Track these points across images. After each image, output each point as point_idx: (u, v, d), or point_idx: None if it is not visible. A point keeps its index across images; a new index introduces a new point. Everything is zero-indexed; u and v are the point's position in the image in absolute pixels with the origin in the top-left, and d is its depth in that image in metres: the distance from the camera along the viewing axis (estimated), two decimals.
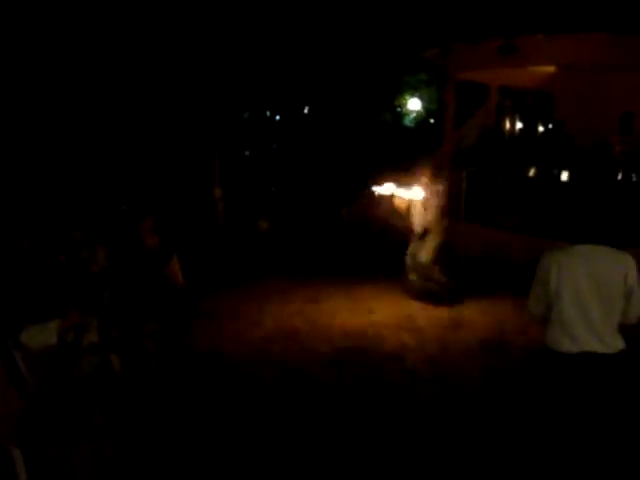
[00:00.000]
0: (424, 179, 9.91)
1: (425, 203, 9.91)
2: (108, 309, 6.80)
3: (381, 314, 9.21)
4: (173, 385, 6.73)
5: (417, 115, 21.66)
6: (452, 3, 14.73)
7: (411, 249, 10.12)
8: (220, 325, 8.72)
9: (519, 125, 15.80)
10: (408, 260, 10.12)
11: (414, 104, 21.25)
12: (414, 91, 20.61)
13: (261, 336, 8.29)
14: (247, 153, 24.54)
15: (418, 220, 10.06)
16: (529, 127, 15.00)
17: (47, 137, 14.69)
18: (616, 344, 4.31)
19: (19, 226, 9.42)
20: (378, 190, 9.47)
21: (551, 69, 12.18)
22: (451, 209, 11.90)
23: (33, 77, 14.10)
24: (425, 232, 9.97)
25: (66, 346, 5.56)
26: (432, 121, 20.84)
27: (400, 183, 10.41)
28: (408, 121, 21.94)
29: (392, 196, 10.55)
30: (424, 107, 21.12)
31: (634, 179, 10.81)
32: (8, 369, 4.86)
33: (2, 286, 6.84)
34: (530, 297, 4.58)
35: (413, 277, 10.09)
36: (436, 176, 9.52)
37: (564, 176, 11.52)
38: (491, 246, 11.17)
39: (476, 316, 9.12)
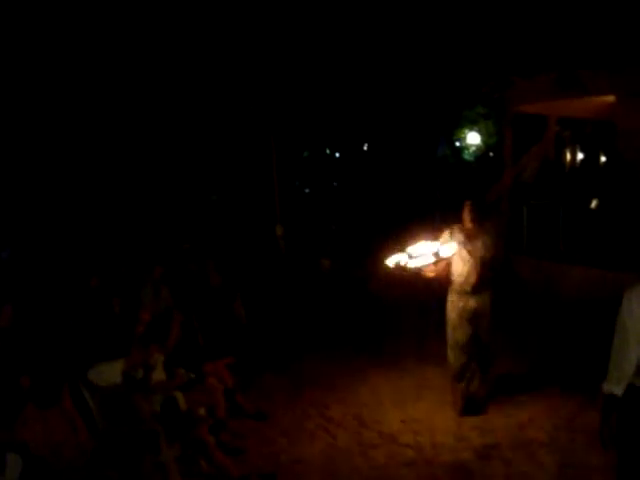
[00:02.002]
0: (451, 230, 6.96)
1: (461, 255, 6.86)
2: (175, 347, 6.97)
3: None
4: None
5: (476, 149, 21.60)
6: (509, 37, 14.75)
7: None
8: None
9: (580, 156, 15.65)
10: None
11: (473, 138, 21.20)
12: (472, 125, 20.58)
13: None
14: (307, 190, 24.77)
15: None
16: (590, 157, 14.85)
17: (114, 180, 15.08)
18: None
19: (86, 266, 9.67)
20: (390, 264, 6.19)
21: (611, 98, 12.06)
22: (512, 243, 11.84)
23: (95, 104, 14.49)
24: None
25: (133, 384, 5.72)
26: (491, 155, 20.76)
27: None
28: (467, 155, 21.90)
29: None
30: (483, 141, 21.06)
31: None
32: (79, 408, 5.03)
33: (71, 325, 7.06)
34: (612, 361, 3.50)
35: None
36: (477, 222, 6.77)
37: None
38: (553, 278, 11.06)
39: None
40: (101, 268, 9.29)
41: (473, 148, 21.38)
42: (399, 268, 6.14)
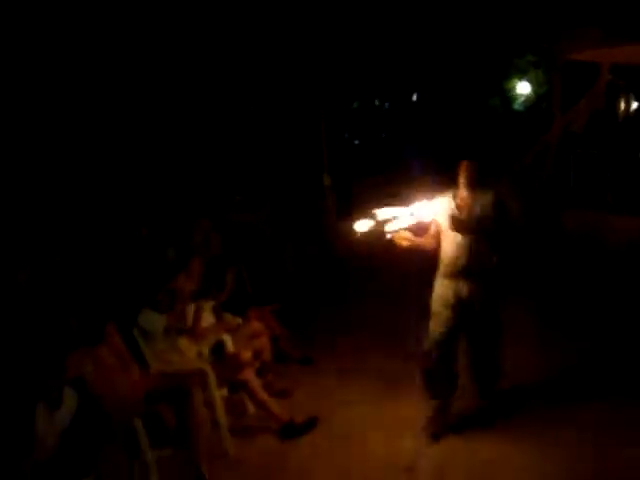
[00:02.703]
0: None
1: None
2: (224, 292, 7.22)
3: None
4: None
5: (526, 99, 21.30)
6: None
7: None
8: None
9: (635, 105, 15.32)
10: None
11: (523, 87, 20.90)
12: (522, 74, 20.28)
13: None
14: (356, 142, 24.73)
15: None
16: None
17: (166, 131, 15.25)
18: None
19: (137, 215, 9.93)
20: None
21: None
22: (559, 195, 11.76)
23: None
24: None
25: (181, 330, 5.99)
26: (544, 105, 20.41)
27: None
28: (517, 105, 21.62)
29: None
30: (533, 90, 20.75)
31: None
32: (130, 347, 5.31)
33: (124, 272, 7.36)
34: None
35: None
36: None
37: None
38: (601, 230, 10.98)
39: None
40: (152, 218, 9.58)
41: (523, 98, 21.10)
42: (366, 233, 4.99)
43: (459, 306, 5.36)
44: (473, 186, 5.37)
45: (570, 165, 12.32)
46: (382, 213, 5.07)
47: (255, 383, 5.96)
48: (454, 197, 5.45)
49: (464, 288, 5.32)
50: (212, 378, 5.53)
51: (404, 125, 22.64)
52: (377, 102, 24.62)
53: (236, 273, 7.79)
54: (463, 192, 5.41)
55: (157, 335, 5.86)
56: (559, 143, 13.03)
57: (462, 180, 5.38)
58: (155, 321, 5.91)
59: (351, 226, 5.02)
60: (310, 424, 5.77)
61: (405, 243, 5.30)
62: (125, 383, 4.91)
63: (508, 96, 21.77)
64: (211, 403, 5.39)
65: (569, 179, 12.35)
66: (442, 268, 5.45)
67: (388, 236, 5.15)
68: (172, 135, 14.59)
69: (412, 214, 5.17)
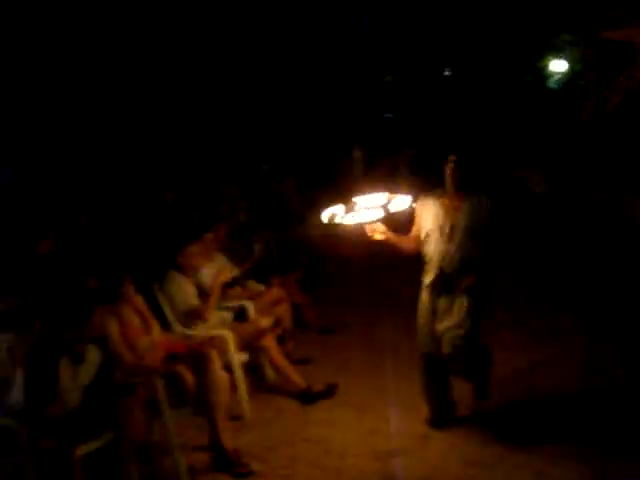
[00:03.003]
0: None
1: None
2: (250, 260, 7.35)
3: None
4: None
5: (562, 76, 21.04)
6: None
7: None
8: None
9: None
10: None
11: (558, 65, 20.62)
12: (558, 52, 20.02)
13: None
14: (388, 115, 24.58)
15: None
16: None
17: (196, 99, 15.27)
18: None
19: (164, 180, 10.04)
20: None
21: None
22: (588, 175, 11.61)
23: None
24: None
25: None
26: (582, 83, 20.12)
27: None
28: (552, 83, 21.36)
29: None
30: (570, 68, 20.48)
31: None
32: (153, 307, 5.44)
33: (148, 235, 7.50)
34: None
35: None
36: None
37: None
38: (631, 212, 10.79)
39: None
40: (180, 184, 9.70)
41: (558, 76, 20.85)
42: (334, 224, 4.53)
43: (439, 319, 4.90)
44: (460, 188, 4.76)
45: (601, 145, 12.16)
46: (361, 201, 4.61)
47: (275, 349, 6.05)
48: (439, 198, 4.86)
49: (445, 303, 4.85)
50: (232, 343, 5.63)
51: (435, 100, 22.46)
52: (409, 76, 24.44)
53: (263, 242, 7.90)
54: (449, 194, 4.81)
55: (180, 298, 5.98)
56: (591, 122, 12.86)
57: (449, 179, 4.78)
58: (180, 284, 6.03)
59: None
60: (328, 392, 5.85)
61: (378, 236, 4.80)
62: (147, 342, 5.03)
63: (542, 74, 21.50)
64: (230, 367, 5.49)
65: (599, 158, 12.19)
66: (425, 276, 4.93)
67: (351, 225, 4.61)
68: (203, 102, 14.61)
69: (385, 207, 4.60)
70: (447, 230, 4.76)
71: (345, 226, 4.59)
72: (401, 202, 4.65)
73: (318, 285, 8.48)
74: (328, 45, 16.96)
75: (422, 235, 4.92)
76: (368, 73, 19.16)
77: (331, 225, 4.62)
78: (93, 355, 4.40)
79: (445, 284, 4.83)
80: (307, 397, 5.80)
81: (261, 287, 6.98)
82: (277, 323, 6.37)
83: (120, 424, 4.29)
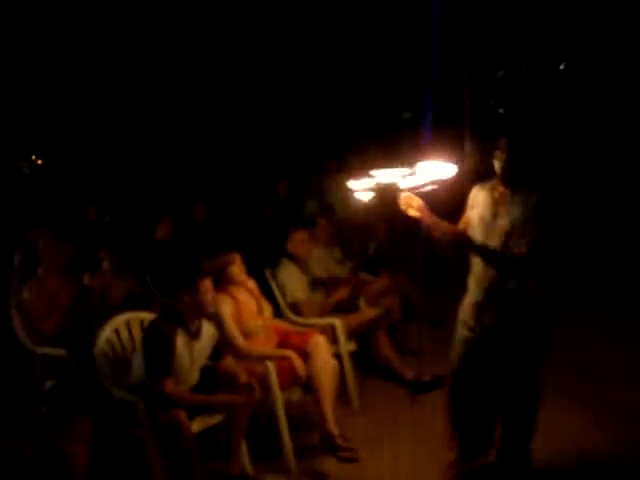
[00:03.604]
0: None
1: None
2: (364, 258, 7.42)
3: None
4: None
5: None
6: None
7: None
8: None
9: None
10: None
11: None
12: None
13: None
14: (501, 111, 24.20)
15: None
16: None
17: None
18: None
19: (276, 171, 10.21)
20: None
21: None
22: None
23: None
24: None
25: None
26: None
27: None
28: None
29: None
30: None
31: None
32: (265, 290, 5.59)
33: (262, 223, 7.69)
34: None
35: None
36: None
37: None
38: None
39: None
40: (293, 174, 9.84)
41: None
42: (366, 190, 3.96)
43: (483, 334, 4.06)
44: (513, 179, 3.94)
45: None
46: (380, 175, 3.97)
47: (383, 339, 6.08)
48: (493, 189, 4.04)
49: (491, 312, 3.99)
50: (342, 331, 5.69)
51: (549, 94, 21.93)
52: (523, 70, 23.95)
53: (377, 240, 7.92)
54: (499, 186, 4.01)
55: (290, 288, 6.08)
56: None
57: (498, 167, 3.98)
58: (291, 273, 6.12)
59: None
60: (436, 383, 5.82)
61: (413, 212, 4.03)
62: (257, 325, 5.14)
63: None
64: (340, 355, 5.55)
65: None
66: (471, 277, 4.16)
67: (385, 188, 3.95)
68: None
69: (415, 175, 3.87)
70: (492, 226, 3.94)
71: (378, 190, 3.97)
72: (444, 170, 3.83)
73: (429, 276, 8.40)
74: (440, 36, 16.75)
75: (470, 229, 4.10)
76: (481, 67, 18.87)
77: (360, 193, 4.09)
78: (209, 332, 4.52)
79: (489, 291, 3.99)
80: (416, 387, 5.79)
81: (371, 278, 7.01)
82: (386, 314, 6.37)
83: (232, 405, 4.39)
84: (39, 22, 13.10)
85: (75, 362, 5.07)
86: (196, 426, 4.21)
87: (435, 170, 3.79)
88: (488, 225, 3.93)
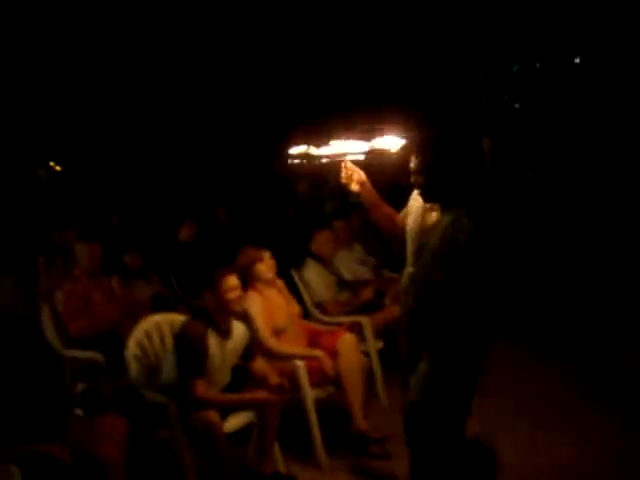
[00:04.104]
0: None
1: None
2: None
3: None
4: None
5: None
6: None
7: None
8: None
9: None
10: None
11: None
12: None
13: None
14: (517, 106, 24.11)
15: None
16: None
17: None
18: None
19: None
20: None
21: None
22: None
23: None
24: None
25: None
26: None
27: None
28: None
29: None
30: None
31: None
32: (292, 291, 5.60)
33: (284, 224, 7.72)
34: None
35: None
36: None
37: None
38: None
39: None
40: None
41: None
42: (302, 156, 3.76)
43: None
44: (431, 194, 3.43)
45: None
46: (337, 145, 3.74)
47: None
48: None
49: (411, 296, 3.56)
50: (369, 329, 5.70)
51: (565, 89, 21.83)
52: (538, 65, 23.86)
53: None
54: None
55: (315, 287, 6.09)
56: None
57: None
58: (316, 273, 6.14)
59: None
60: None
61: (354, 186, 3.75)
62: (285, 323, 5.16)
63: None
64: (368, 353, 5.56)
65: None
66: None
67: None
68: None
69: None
70: (414, 249, 3.51)
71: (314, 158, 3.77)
72: (389, 142, 3.67)
73: None
74: (454, 32, 16.75)
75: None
76: (495, 61, 18.79)
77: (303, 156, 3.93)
78: (240, 331, 4.54)
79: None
80: None
81: (395, 276, 7.00)
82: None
83: (263, 405, 4.40)
84: (53, 28, 13.16)
85: (105, 365, 5.11)
86: (228, 426, 4.23)
87: (383, 141, 3.62)
88: (414, 240, 3.50)
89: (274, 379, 4.45)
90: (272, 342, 4.90)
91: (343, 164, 3.74)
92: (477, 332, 3.36)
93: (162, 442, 4.36)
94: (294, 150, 3.72)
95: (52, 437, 3.81)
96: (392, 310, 6.14)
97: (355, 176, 3.73)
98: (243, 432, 4.44)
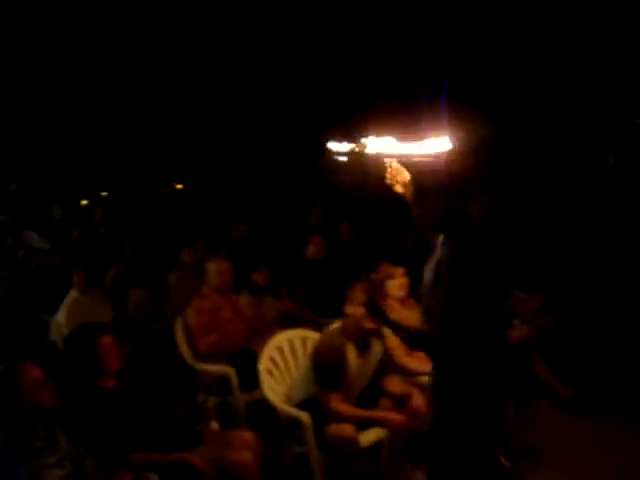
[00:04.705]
0: None
1: None
2: None
3: None
4: None
5: None
6: None
7: None
8: None
9: None
10: None
11: None
12: None
13: None
14: (638, 122, 23.29)
15: None
16: None
17: None
18: None
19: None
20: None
21: None
22: None
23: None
24: None
25: None
26: None
27: None
28: None
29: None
30: None
31: None
32: None
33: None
34: None
35: None
36: None
37: None
38: None
39: None
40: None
41: None
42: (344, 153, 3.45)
43: None
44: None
45: None
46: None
47: (536, 358, 5.99)
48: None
49: None
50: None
51: None
52: None
53: None
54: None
55: None
56: None
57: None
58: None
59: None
60: (594, 401, 5.67)
61: (399, 188, 3.59)
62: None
63: None
64: None
65: None
66: None
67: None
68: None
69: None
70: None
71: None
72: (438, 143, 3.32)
73: None
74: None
75: None
76: (618, 74, 18.20)
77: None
78: (377, 348, 4.57)
79: None
80: (574, 405, 5.65)
81: (524, 296, 6.86)
82: (540, 332, 6.24)
83: (392, 422, 4.41)
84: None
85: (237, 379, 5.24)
86: (362, 441, 4.25)
87: (429, 144, 3.36)
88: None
89: (407, 399, 4.44)
90: (405, 359, 4.91)
91: (388, 164, 3.58)
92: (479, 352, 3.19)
93: (297, 456, 4.43)
94: (338, 146, 3.42)
95: (189, 447, 3.93)
96: (522, 330, 6.06)
97: (399, 177, 3.58)
98: (373, 447, 4.46)
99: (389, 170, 3.56)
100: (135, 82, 14.12)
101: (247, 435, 4.15)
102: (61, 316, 6.58)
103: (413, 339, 4.31)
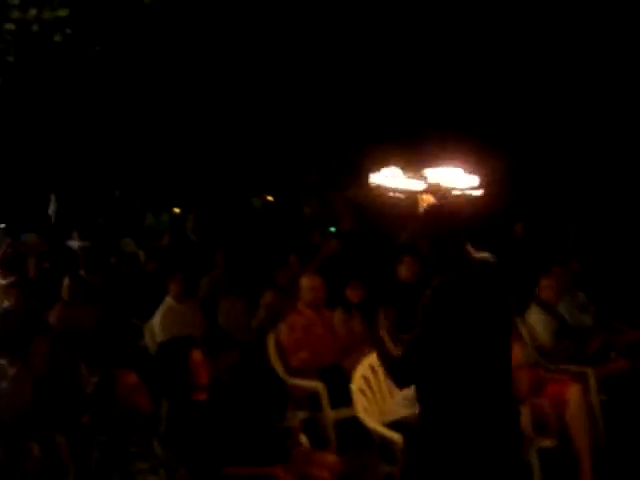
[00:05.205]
0: None
1: None
2: None
3: None
4: None
5: None
6: None
7: None
8: None
9: None
10: None
11: None
12: None
13: None
14: None
15: None
16: None
17: None
18: None
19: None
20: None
21: None
22: None
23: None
24: None
25: None
26: None
27: None
28: None
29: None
30: None
31: None
32: None
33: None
34: None
35: None
36: None
37: None
38: None
39: None
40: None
41: None
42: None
43: None
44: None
45: None
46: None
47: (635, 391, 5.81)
48: None
49: None
50: (593, 381, 5.50)
51: None
52: None
53: None
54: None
55: (536, 333, 5.95)
56: None
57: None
58: (538, 318, 6.00)
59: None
60: None
61: None
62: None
63: None
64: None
65: None
66: None
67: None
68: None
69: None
70: None
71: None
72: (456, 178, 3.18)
73: None
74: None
75: None
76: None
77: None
78: None
79: None
80: None
81: (624, 327, 6.66)
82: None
83: None
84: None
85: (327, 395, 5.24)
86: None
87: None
88: None
89: None
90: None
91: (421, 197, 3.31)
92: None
93: (384, 477, 4.40)
94: (382, 180, 3.05)
95: (276, 462, 3.94)
96: (619, 364, 5.89)
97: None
98: None
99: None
100: (225, 94, 14.37)
101: (330, 457, 4.17)
102: (156, 322, 6.75)
103: None
